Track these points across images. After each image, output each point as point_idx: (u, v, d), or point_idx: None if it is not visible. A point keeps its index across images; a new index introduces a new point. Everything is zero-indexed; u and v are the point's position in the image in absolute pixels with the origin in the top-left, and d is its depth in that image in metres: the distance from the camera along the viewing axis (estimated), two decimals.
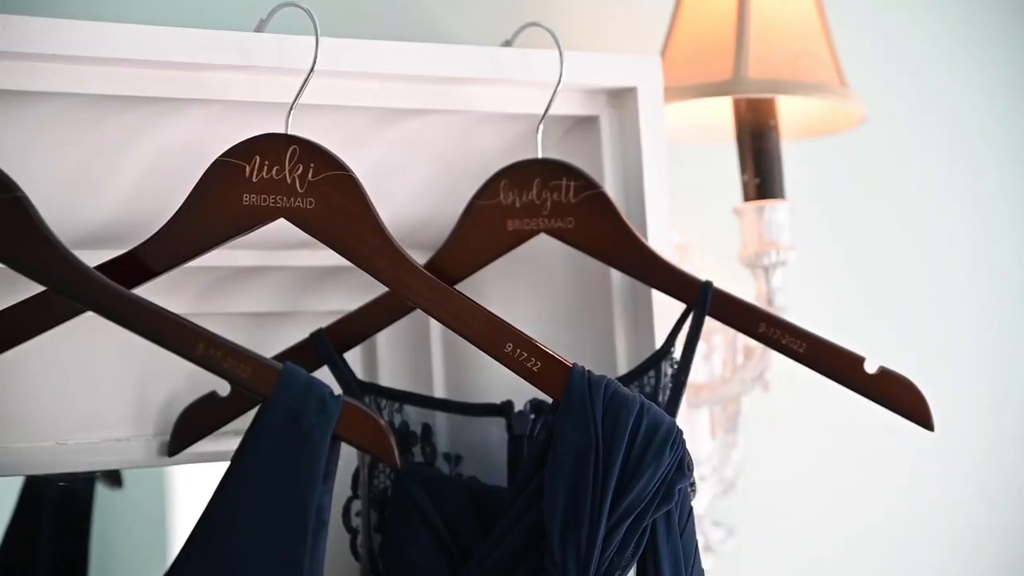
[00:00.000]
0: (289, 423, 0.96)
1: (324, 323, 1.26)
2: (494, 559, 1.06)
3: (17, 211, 0.97)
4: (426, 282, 1.07)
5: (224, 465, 0.98)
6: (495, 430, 1.21)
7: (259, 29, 1.13)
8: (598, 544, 1.02)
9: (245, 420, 1.21)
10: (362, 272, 1.27)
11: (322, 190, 1.07)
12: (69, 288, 0.97)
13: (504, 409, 1.21)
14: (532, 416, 1.20)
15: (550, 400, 1.19)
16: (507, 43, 1.26)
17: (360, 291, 1.30)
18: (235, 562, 0.94)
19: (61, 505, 1.43)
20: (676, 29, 1.41)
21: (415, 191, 1.26)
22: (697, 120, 1.47)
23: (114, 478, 1.46)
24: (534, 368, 1.07)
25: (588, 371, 1.06)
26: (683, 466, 1.04)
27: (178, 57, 1.07)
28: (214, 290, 1.24)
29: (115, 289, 0.98)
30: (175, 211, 1.08)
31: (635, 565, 1.05)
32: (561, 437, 1.04)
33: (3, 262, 0.97)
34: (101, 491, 1.43)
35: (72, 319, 1.06)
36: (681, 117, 1.45)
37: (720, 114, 1.46)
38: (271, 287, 1.27)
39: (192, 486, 1.49)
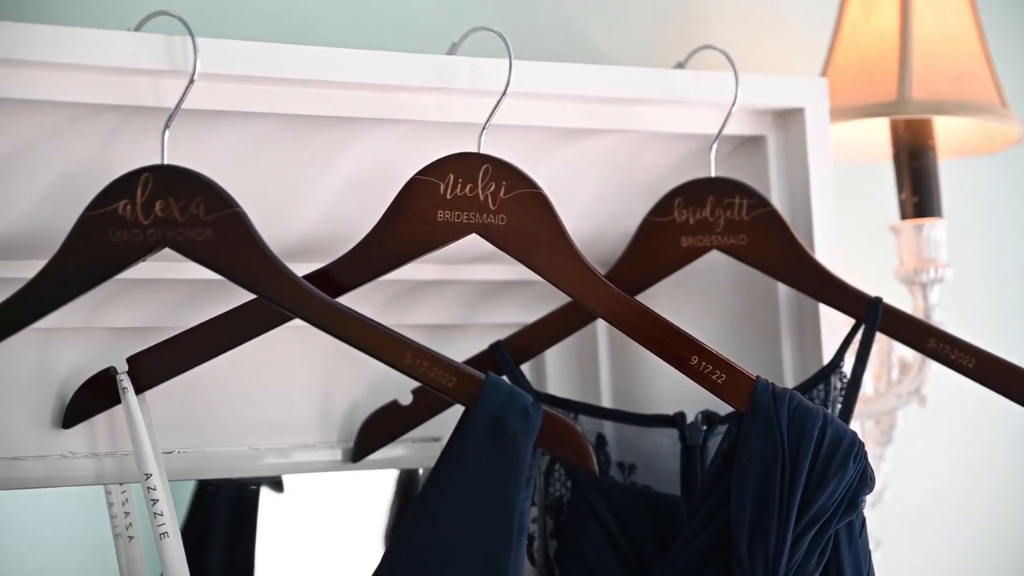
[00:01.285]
0: (493, 431, 1.00)
1: (494, 335, 1.31)
2: (681, 563, 1.10)
3: (236, 225, 1.02)
4: (614, 296, 1.11)
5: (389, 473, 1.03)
6: (667, 440, 1.25)
7: (451, 52, 1.17)
8: (785, 552, 1.05)
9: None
10: (531, 286, 1.33)
11: (513, 207, 1.11)
12: (283, 299, 1.02)
13: (676, 420, 1.24)
14: (704, 427, 1.23)
15: (721, 411, 1.24)
16: (680, 65, 1.30)
17: (529, 305, 1.35)
18: (443, 566, 0.98)
19: (232, 508, 1.48)
20: (837, 50, 1.44)
21: (587, 207, 1.30)
22: (853, 138, 1.50)
23: (276, 483, 1.52)
24: (719, 380, 1.10)
25: (772, 384, 1.10)
26: (866, 477, 1.07)
27: (376, 79, 1.11)
28: (393, 303, 1.28)
29: (327, 301, 1.03)
30: (372, 226, 1.13)
31: (819, 572, 1.08)
32: (747, 447, 1.08)
33: (221, 272, 1.03)
34: (265, 494, 1.50)
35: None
36: (837, 135, 1.49)
37: (875, 133, 1.49)
38: (446, 300, 1.32)
39: (349, 491, 1.55)
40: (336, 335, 1.03)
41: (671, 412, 1.27)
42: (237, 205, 1.02)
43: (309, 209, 1.16)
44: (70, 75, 1.02)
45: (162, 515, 1.12)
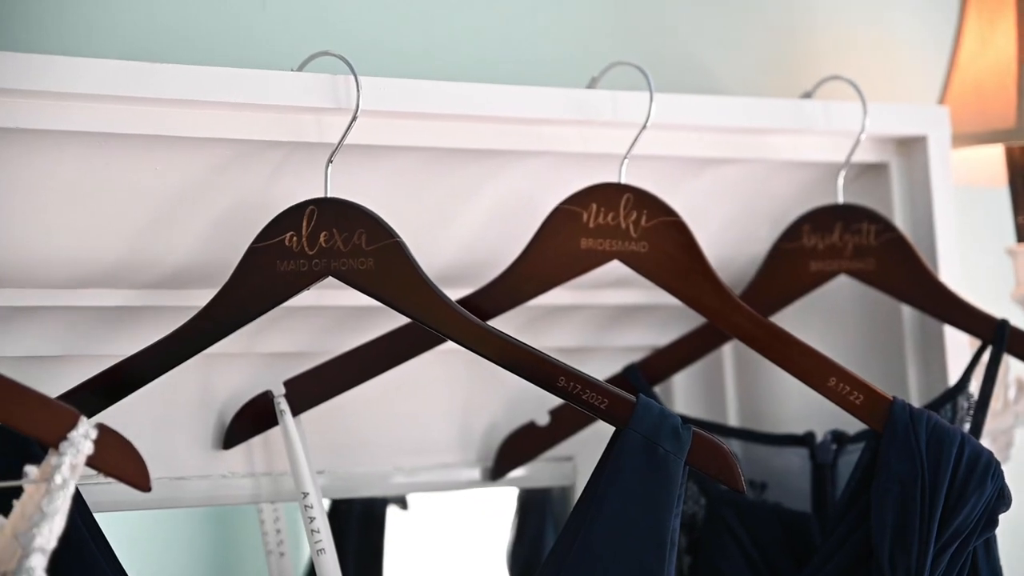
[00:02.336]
0: (645, 451, 1.04)
1: (622, 357, 1.36)
2: None
3: (396, 254, 1.07)
4: (751, 319, 1.15)
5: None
6: (796, 459, 1.29)
7: (591, 86, 1.22)
8: (927, 567, 1.09)
9: None
10: (657, 310, 1.37)
11: (654, 234, 1.16)
12: (441, 325, 1.07)
13: (806, 439, 1.28)
14: (834, 446, 1.27)
15: (849, 431, 1.28)
16: (807, 94, 1.34)
17: (656, 328, 1.39)
18: None
19: (362, 525, 1.53)
20: (954, 78, 1.47)
21: (716, 233, 1.34)
22: (969, 162, 1.53)
23: (402, 501, 1.56)
24: (856, 401, 1.14)
25: (908, 404, 1.13)
26: (1003, 495, 1.11)
27: (522, 113, 1.16)
28: (529, 327, 1.33)
29: (483, 326, 1.08)
30: (517, 254, 1.18)
31: None
32: (886, 466, 1.11)
33: (382, 300, 1.07)
34: (392, 512, 1.55)
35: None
36: (954, 159, 1.52)
37: (992, 157, 1.52)
38: (578, 324, 1.36)
39: (473, 508, 1.60)
40: (491, 359, 1.07)
41: (797, 431, 1.31)
42: (397, 235, 1.07)
43: (455, 238, 1.21)
44: (239, 114, 1.07)
45: (319, 532, 1.17)
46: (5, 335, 1.09)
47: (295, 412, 1.18)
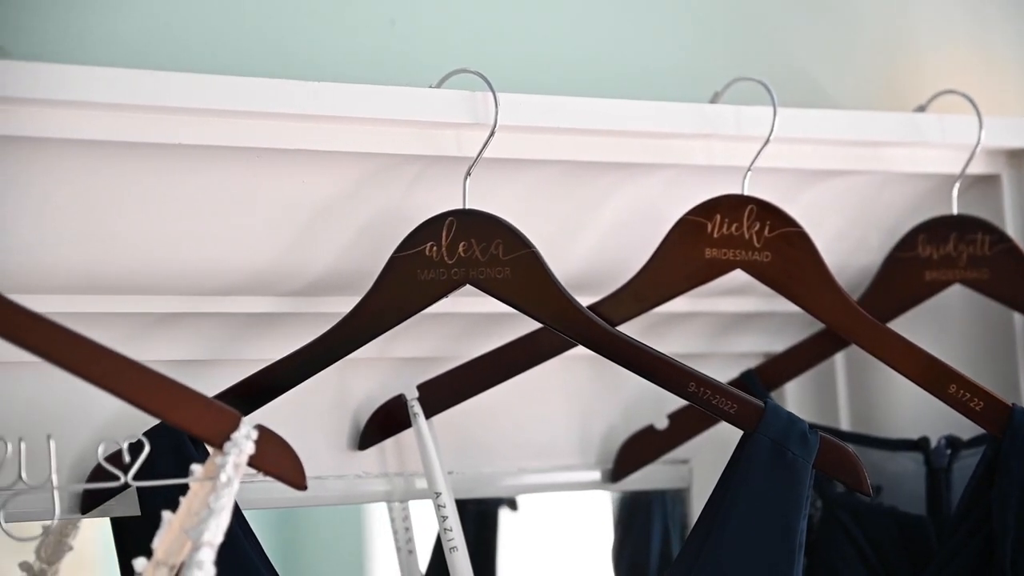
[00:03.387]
0: (774, 456, 1.08)
1: (736, 363, 1.40)
2: None
3: (532, 264, 1.11)
4: (873, 327, 1.19)
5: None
6: (911, 464, 1.32)
7: (714, 100, 1.26)
8: None
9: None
10: (771, 317, 1.41)
11: (777, 244, 1.20)
12: (576, 332, 1.12)
13: (921, 444, 1.32)
14: (948, 451, 1.30)
15: (962, 436, 1.31)
16: (920, 108, 1.37)
17: (769, 335, 1.43)
18: None
19: (476, 525, 1.58)
20: None
21: (828, 243, 1.36)
22: None
23: (512, 502, 1.61)
24: (976, 407, 1.17)
25: None
26: None
27: (650, 127, 1.20)
28: (646, 333, 1.36)
29: (617, 333, 1.12)
30: (641, 263, 1.22)
31: None
32: (1007, 471, 1.14)
33: (518, 307, 1.12)
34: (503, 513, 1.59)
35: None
36: None
37: None
38: (693, 330, 1.40)
39: (578, 510, 1.64)
40: (624, 365, 1.12)
41: (909, 436, 1.35)
42: (532, 245, 1.11)
43: (582, 247, 1.25)
44: (381, 129, 1.12)
45: (451, 531, 1.22)
46: (159, 340, 1.14)
47: (427, 415, 1.23)
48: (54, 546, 1.30)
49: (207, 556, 0.94)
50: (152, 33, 1.21)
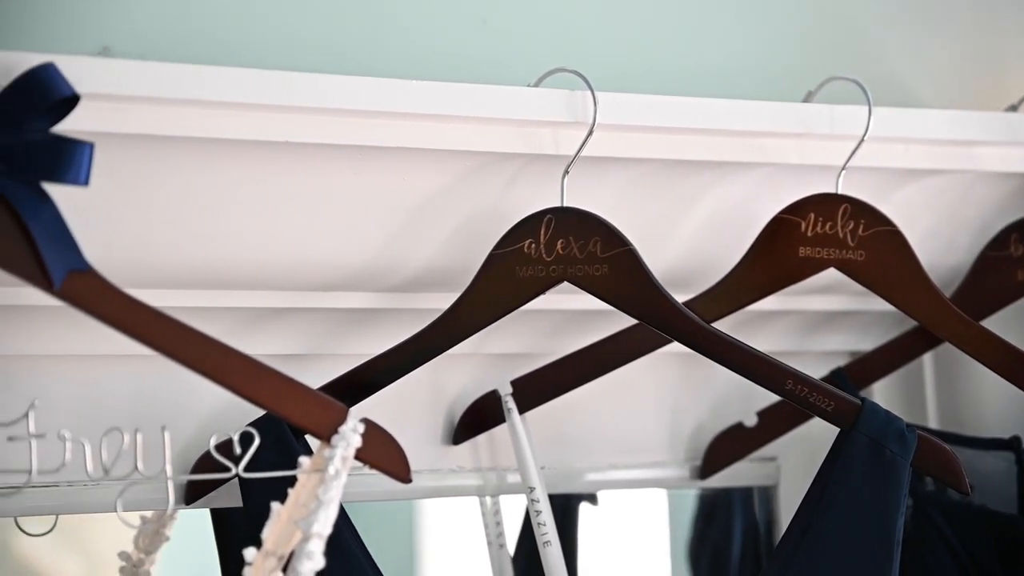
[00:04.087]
0: (872, 454, 1.09)
1: (825, 362, 1.40)
2: None
3: (630, 261, 1.12)
4: (967, 325, 1.19)
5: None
6: (1003, 463, 1.32)
7: (807, 99, 1.27)
8: None
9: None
10: (859, 316, 1.41)
11: (871, 243, 1.20)
12: (673, 328, 1.12)
13: (1013, 443, 1.32)
14: None
15: None
16: (1012, 108, 1.37)
17: (856, 333, 1.43)
18: None
19: (559, 520, 1.59)
20: None
21: (919, 242, 1.35)
22: None
23: (592, 497, 1.62)
24: None
25: None
26: None
27: (745, 126, 1.21)
28: (735, 331, 1.37)
29: (715, 331, 1.13)
30: (732, 261, 1.23)
31: None
32: None
33: (616, 304, 1.13)
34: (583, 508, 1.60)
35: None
36: None
37: None
38: (782, 328, 1.40)
39: (653, 506, 1.65)
40: (721, 362, 1.12)
41: (998, 435, 1.35)
42: (630, 243, 1.12)
43: (675, 245, 1.26)
44: (481, 127, 1.13)
45: (545, 525, 1.23)
46: (261, 334, 1.16)
47: (521, 410, 1.24)
48: (152, 536, 1.33)
49: (317, 547, 0.95)
50: (252, 31, 1.23)
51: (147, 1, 1.20)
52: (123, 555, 1.33)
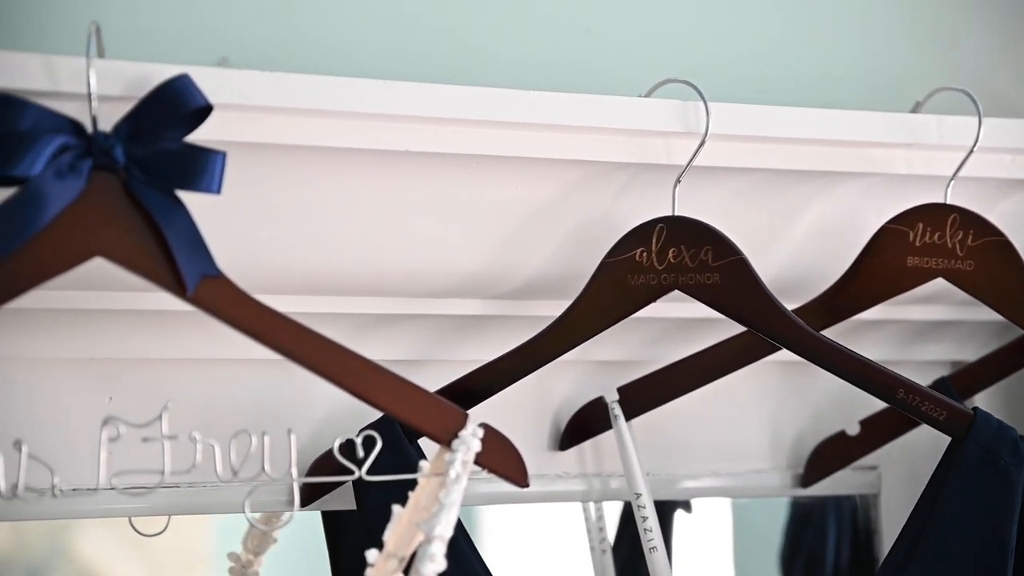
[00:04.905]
0: (985, 463, 1.09)
1: (926, 373, 1.40)
2: None
3: (741, 270, 1.13)
4: None
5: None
6: None
7: (915, 110, 1.27)
8: None
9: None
10: (960, 326, 1.41)
11: (981, 254, 1.20)
12: (785, 338, 1.13)
13: None
14: None
15: None
16: None
17: (958, 344, 1.43)
18: None
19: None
20: None
21: None
22: None
23: (686, 505, 1.62)
24: None
25: None
26: None
27: (852, 136, 1.22)
28: (837, 339, 1.38)
29: (825, 339, 1.13)
30: (837, 271, 1.24)
31: None
32: None
33: (727, 313, 1.14)
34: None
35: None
36: None
37: None
38: (883, 337, 1.41)
39: (745, 515, 1.65)
40: (832, 370, 1.13)
41: None
42: (741, 252, 1.13)
43: (781, 254, 1.27)
44: (592, 137, 1.15)
45: (651, 531, 1.24)
46: (374, 340, 1.18)
47: (627, 417, 1.25)
48: (260, 538, 1.35)
49: (439, 549, 0.97)
50: (361, 42, 1.26)
51: (261, 12, 1.23)
52: (232, 556, 1.35)
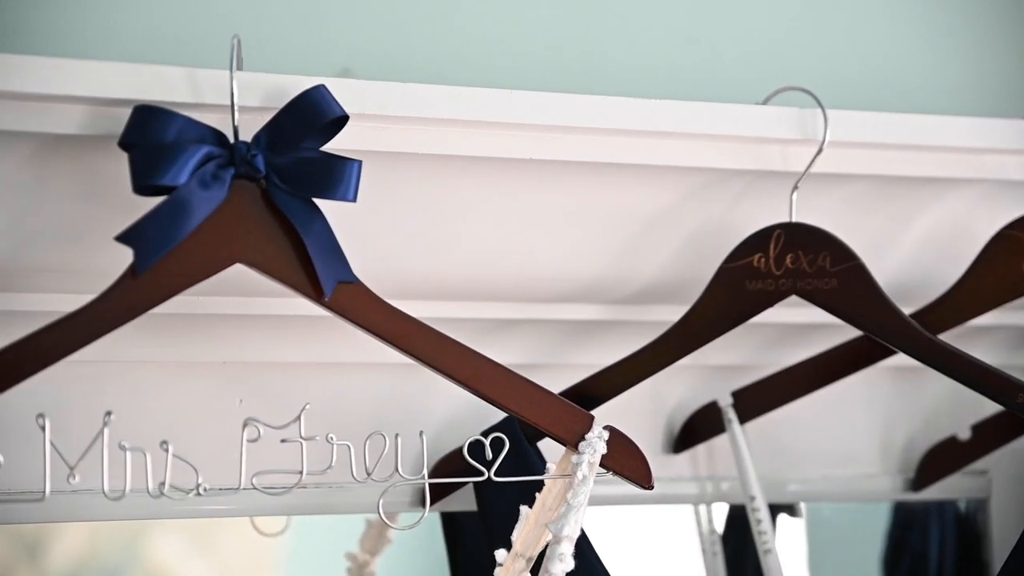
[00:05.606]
0: None
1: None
2: None
3: (859, 276, 1.15)
4: None
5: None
6: None
7: None
8: None
9: None
10: None
11: None
12: (902, 342, 1.15)
13: None
14: None
15: None
16: None
17: None
18: None
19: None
20: None
21: None
22: None
23: (791, 508, 1.63)
24: None
25: None
26: None
27: (968, 142, 1.22)
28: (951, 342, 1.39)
29: (945, 345, 1.14)
30: (949, 277, 1.24)
31: None
32: None
33: (844, 317, 1.15)
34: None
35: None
36: None
37: None
38: (988, 344, 1.40)
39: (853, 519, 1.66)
40: (950, 375, 1.14)
41: None
42: (859, 258, 1.15)
43: (891, 261, 1.28)
44: (711, 144, 1.16)
45: (765, 534, 1.25)
46: (493, 344, 1.20)
47: (741, 421, 1.27)
48: (375, 539, 1.38)
49: (568, 549, 0.99)
50: (474, 52, 1.28)
51: (381, 24, 1.26)
52: (349, 556, 1.38)
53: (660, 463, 1.30)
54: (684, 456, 1.31)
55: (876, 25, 1.41)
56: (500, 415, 1.13)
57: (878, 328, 1.15)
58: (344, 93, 1.01)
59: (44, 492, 0.90)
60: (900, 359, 1.23)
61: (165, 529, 1.49)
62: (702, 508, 1.35)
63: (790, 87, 1.18)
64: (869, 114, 1.18)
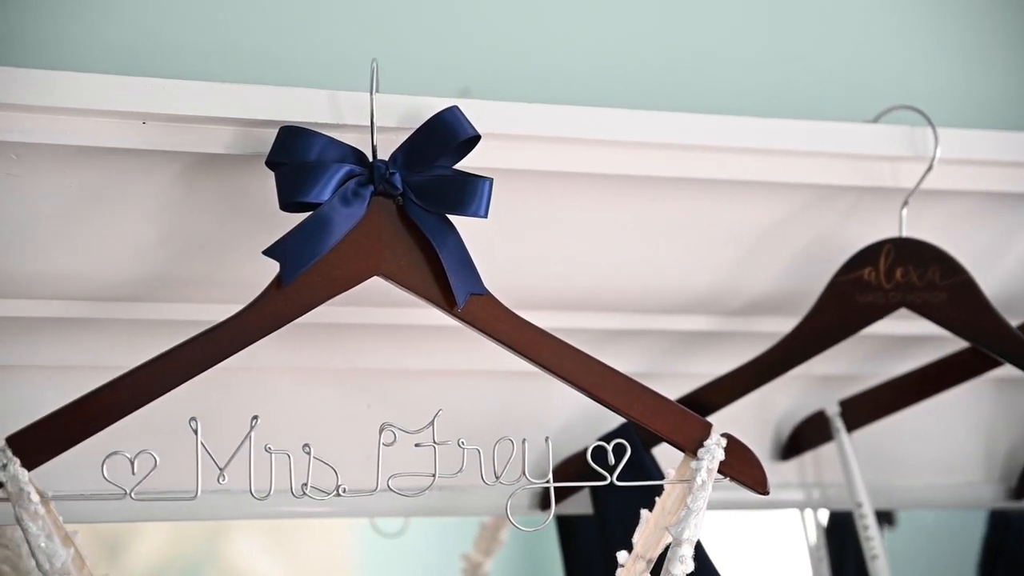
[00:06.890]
0: None
1: None
2: None
3: (968, 289, 1.18)
4: None
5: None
6: None
7: None
8: None
9: None
10: None
11: None
12: (1012, 353, 1.18)
13: None
14: None
15: None
16: None
17: None
18: None
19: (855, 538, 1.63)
20: None
21: None
22: None
23: (889, 518, 1.66)
24: None
25: None
26: None
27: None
28: None
29: None
30: None
31: None
32: None
33: (953, 330, 1.18)
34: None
35: None
36: None
37: None
38: None
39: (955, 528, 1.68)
40: None
41: None
42: (968, 272, 1.18)
43: (996, 276, 1.31)
44: (821, 161, 1.20)
45: (873, 539, 1.29)
46: (606, 354, 1.23)
47: (848, 430, 1.30)
48: (489, 540, 1.43)
49: (688, 551, 1.03)
50: (583, 71, 1.33)
51: (498, 45, 1.30)
52: (464, 557, 1.43)
53: (768, 470, 1.32)
54: (791, 463, 1.35)
55: (976, 42, 1.44)
56: (612, 422, 1.18)
57: (987, 340, 1.18)
58: (481, 113, 1.05)
59: (196, 491, 0.96)
60: (1003, 370, 1.26)
61: (243, 529, 1.54)
62: (808, 513, 1.39)
63: (901, 106, 1.21)
64: (977, 132, 1.22)
